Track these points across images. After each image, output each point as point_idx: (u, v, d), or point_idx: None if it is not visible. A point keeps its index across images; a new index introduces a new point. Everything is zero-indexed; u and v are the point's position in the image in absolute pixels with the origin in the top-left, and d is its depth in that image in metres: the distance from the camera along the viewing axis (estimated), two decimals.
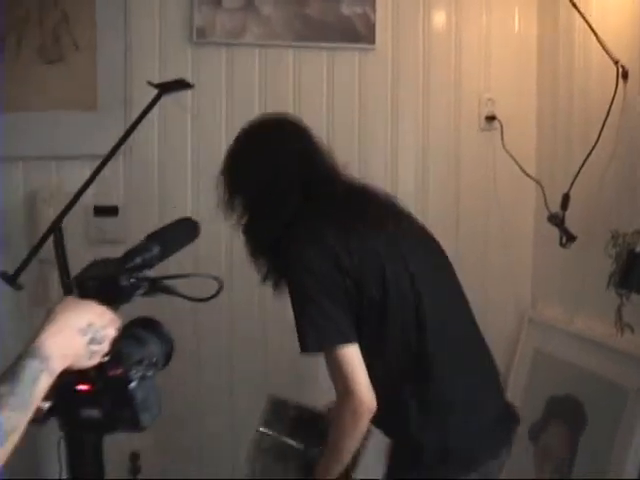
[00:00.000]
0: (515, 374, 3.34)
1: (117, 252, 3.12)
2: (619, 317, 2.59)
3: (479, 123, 3.40)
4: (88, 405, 1.49)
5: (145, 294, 1.74)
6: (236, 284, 3.04)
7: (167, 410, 3.07)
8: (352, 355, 2.02)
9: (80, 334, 1.44)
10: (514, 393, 3.30)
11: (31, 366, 1.33)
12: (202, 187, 3.23)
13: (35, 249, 2.88)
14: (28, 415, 1.30)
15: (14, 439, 1.26)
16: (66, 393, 1.43)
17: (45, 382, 1.34)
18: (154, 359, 1.62)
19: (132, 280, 1.71)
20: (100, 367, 1.50)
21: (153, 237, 1.84)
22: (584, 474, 2.74)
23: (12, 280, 2.85)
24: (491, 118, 3.37)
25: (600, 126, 2.78)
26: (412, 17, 3.34)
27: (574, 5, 2.86)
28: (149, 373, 1.56)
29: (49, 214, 3.07)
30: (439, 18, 3.37)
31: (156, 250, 1.81)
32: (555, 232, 2.98)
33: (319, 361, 2.13)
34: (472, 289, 3.34)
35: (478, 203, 3.40)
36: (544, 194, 3.07)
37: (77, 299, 1.52)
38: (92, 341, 1.45)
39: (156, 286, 1.74)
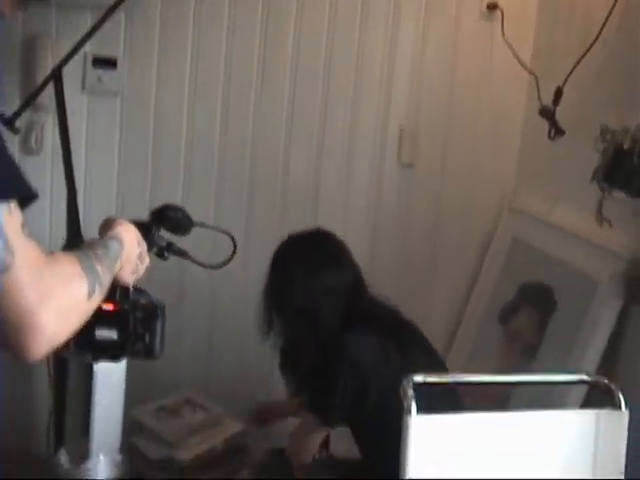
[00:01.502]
0: (490, 260, 3.45)
1: (113, 104, 3.18)
2: (599, 211, 2.67)
3: (480, 11, 3.40)
4: (107, 325, 1.54)
5: (159, 254, 1.96)
6: None
7: (153, 270, 3.16)
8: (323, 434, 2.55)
9: (137, 244, 1.59)
10: (488, 277, 3.42)
11: (115, 247, 1.47)
12: (202, 47, 3.25)
13: (34, 94, 2.90)
14: (108, 285, 1.37)
15: (101, 297, 1.31)
16: None
17: (118, 267, 1.47)
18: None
19: (158, 233, 1.93)
20: (126, 291, 1.59)
21: (177, 206, 2.07)
22: (548, 358, 2.86)
23: (9, 123, 2.87)
24: (493, 6, 3.37)
25: (601, 24, 2.80)
26: None
27: None
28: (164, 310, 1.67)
29: (47, 61, 3.08)
30: None
31: (181, 215, 2.06)
32: (544, 125, 3.04)
33: None
34: (458, 173, 3.45)
35: (472, 90, 3.44)
36: (538, 86, 3.11)
37: None
38: (139, 256, 1.60)
39: (172, 248, 2.00)
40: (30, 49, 3.11)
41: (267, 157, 3.35)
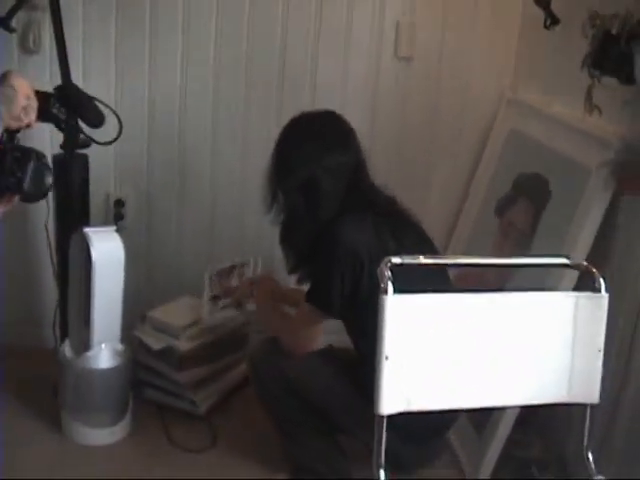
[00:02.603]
0: (489, 152, 3.46)
1: (108, 4, 3.17)
2: (588, 99, 2.64)
3: None
4: None
5: (57, 125, 2.57)
6: None
7: (155, 162, 3.23)
8: (321, 325, 2.59)
9: (25, 98, 1.87)
10: (486, 170, 3.43)
11: (8, 94, 1.80)
12: None
13: None
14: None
15: None
16: None
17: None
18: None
19: (60, 109, 2.49)
20: (11, 134, 1.90)
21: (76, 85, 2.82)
22: (542, 248, 2.86)
23: (4, 22, 2.89)
24: None
25: None
26: None
27: None
28: (45, 162, 2.00)
29: None
30: None
31: (78, 92, 2.74)
32: (541, 15, 3.01)
33: None
34: (456, 66, 3.43)
35: None
36: None
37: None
38: (25, 108, 1.88)
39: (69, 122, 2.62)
40: None
41: (264, 48, 3.37)
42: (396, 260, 1.95)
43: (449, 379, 1.99)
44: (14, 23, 2.95)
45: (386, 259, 1.93)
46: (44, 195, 2.07)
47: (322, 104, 3.24)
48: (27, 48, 3.20)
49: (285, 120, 2.58)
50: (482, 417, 2.86)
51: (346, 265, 2.41)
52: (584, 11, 2.75)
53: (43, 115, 2.24)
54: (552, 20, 2.95)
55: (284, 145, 2.58)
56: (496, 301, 2.04)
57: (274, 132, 2.66)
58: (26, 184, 1.92)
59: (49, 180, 2.02)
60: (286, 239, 2.67)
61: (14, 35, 3.08)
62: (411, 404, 1.95)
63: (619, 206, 2.67)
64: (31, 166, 1.92)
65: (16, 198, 1.99)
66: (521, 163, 3.20)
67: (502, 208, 3.21)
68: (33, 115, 1.91)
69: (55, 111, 2.49)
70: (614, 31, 2.50)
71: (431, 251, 2.57)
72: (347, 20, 3.35)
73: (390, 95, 3.41)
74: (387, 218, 2.51)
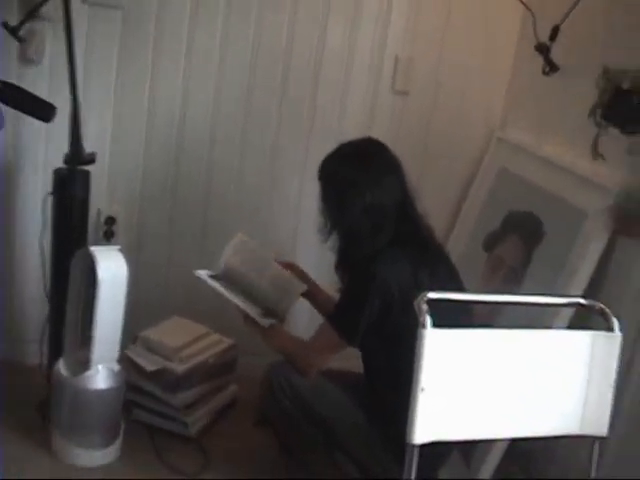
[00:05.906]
0: (476, 188, 3.56)
1: (114, 16, 3.12)
2: (595, 146, 2.77)
3: None
4: None
5: None
6: None
7: (148, 183, 3.22)
8: (338, 350, 2.58)
9: None
10: (473, 205, 3.53)
11: None
12: None
13: (41, 3, 2.89)
14: None
15: None
16: None
17: None
18: None
19: None
20: None
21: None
22: (534, 285, 2.97)
23: (14, 31, 2.87)
24: None
25: None
26: None
27: None
28: None
29: None
30: None
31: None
32: (537, 60, 3.12)
33: None
34: (450, 102, 3.53)
35: (467, 22, 3.49)
36: (534, 22, 3.17)
37: None
38: None
39: None
40: None
41: (266, 76, 3.40)
42: (432, 295, 2.01)
43: (474, 411, 2.04)
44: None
45: (422, 294, 1.98)
46: None
47: (319, 134, 3.34)
48: (28, 59, 3.12)
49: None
50: (471, 448, 2.92)
51: (377, 298, 2.46)
52: (586, 62, 2.89)
53: None
54: (551, 67, 3.06)
55: (346, 171, 2.56)
56: (523, 337, 2.11)
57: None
58: None
59: None
60: (344, 263, 2.70)
61: (14, 45, 3.03)
62: (440, 435, 2.01)
63: (614, 249, 2.78)
64: None
65: None
66: (511, 201, 3.30)
67: (491, 243, 3.30)
68: None
69: None
70: (625, 86, 2.63)
71: (459, 287, 2.64)
72: (348, 53, 3.42)
73: (384, 127, 3.46)
74: (425, 251, 2.58)
